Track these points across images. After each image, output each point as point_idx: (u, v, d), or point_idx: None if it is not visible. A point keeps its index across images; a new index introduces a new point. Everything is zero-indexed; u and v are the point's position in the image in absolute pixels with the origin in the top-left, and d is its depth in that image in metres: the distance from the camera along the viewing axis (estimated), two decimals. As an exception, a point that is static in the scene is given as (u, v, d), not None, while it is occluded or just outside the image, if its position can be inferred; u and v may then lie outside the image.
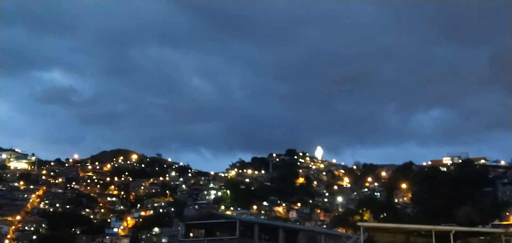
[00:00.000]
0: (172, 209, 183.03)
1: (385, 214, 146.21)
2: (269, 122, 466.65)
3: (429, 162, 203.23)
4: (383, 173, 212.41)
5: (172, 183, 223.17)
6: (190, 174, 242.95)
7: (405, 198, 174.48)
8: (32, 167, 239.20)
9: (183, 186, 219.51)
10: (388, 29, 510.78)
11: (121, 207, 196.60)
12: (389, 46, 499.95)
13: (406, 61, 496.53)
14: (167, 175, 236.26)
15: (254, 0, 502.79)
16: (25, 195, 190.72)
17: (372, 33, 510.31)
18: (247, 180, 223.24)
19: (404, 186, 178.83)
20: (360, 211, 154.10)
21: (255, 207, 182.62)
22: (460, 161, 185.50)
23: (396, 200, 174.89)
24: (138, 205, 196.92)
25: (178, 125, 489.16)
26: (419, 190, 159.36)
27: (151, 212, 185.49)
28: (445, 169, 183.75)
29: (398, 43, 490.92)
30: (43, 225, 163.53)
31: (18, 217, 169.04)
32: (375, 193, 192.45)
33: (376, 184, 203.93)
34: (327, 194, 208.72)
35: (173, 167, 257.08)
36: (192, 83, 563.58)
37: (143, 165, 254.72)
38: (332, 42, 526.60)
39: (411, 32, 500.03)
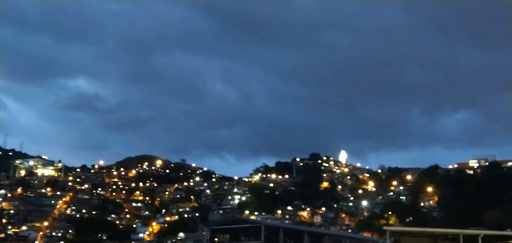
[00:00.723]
0: (197, 214, 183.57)
1: (411, 218, 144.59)
2: (293, 126, 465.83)
3: (455, 165, 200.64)
4: (409, 177, 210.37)
5: (196, 188, 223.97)
6: (214, 179, 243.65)
7: (431, 202, 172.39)
8: (59, 173, 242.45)
9: (208, 191, 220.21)
10: (412, 32, 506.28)
11: (146, 212, 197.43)
12: (413, 48, 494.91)
13: (430, 64, 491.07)
14: (191, 180, 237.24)
15: (277, 5, 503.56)
16: (52, 201, 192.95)
17: (395, 36, 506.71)
18: (271, 184, 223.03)
19: (430, 189, 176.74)
20: (386, 215, 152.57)
21: (279, 211, 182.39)
22: (487, 163, 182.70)
23: (422, 204, 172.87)
24: (163, 210, 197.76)
25: (202, 130, 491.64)
26: (446, 193, 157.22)
27: (176, 217, 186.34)
28: (471, 172, 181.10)
29: (422, 46, 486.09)
30: (70, 231, 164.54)
31: (46, 223, 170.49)
32: (401, 197, 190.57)
33: (401, 187, 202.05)
34: (352, 198, 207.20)
35: (197, 172, 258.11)
36: (215, 88, 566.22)
37: (167, 171, 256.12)
38: (355, 46, 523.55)
39: (436, 34, 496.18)
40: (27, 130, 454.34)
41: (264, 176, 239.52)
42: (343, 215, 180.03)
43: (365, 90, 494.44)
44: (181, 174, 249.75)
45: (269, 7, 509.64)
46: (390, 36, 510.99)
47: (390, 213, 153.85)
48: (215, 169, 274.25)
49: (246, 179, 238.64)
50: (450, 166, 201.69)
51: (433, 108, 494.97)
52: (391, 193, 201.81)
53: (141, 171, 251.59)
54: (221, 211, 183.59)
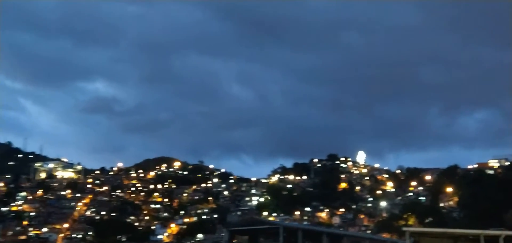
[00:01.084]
0: (215, 216, 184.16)
1: (430, 219, 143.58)
2: (310, 127, 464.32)
3: (475, 165, 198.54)
4: (428, 177, 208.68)
5: (214, 189, 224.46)
6: (232, 181, 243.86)
7: (450, 202, 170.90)
8: (79, 176, 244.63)
9: (226, 192, 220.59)
10: (430, 31, 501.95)
11: (165, 214, 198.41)
12: (431, 47, 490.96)
13: (449, 63, 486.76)
14: (209, 182, 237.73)
15: (293, 5, 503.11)
16: (72, 203, 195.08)
17: (413, 35, 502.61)
18: (289, 186, 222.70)
19: (449, 190, 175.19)
20: (405, 216, 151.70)
21: (297, 213, 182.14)
22: (507, 163, 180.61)
23: (441, 204, 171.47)
24: (182, 212, 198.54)
25: (219, 132, 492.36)
26: (465, 193, 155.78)
27: (195, 218, 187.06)
28: (491, 172, 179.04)
29: (440, 45, 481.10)
30: (90, 233, 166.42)
31: (66, 225, 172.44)
32: (420, 198, 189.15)
33: (420, 188, 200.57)
34: (370, 199, 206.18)
35: (215, 173, 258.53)
36: (232, 90, 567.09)
37: (185, 172, 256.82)
38: (372, 45, 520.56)
39: (454, 32, 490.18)
40: (47, 133, 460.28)
41: (281, 177, 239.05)
42: (362, 216, 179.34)
43: (383, 90, 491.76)
44: (199, 175, 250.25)
45: (286, 8, 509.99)
46: (407, 36, 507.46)
47: (409, 213, 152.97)
48: (233, 171, 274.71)
49: (264, 180, 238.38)
50: (470, 166, 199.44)
51: (452, 108, 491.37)
52: (410, 194, 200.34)
53: (159, 172, 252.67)
54: (239, 213, 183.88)
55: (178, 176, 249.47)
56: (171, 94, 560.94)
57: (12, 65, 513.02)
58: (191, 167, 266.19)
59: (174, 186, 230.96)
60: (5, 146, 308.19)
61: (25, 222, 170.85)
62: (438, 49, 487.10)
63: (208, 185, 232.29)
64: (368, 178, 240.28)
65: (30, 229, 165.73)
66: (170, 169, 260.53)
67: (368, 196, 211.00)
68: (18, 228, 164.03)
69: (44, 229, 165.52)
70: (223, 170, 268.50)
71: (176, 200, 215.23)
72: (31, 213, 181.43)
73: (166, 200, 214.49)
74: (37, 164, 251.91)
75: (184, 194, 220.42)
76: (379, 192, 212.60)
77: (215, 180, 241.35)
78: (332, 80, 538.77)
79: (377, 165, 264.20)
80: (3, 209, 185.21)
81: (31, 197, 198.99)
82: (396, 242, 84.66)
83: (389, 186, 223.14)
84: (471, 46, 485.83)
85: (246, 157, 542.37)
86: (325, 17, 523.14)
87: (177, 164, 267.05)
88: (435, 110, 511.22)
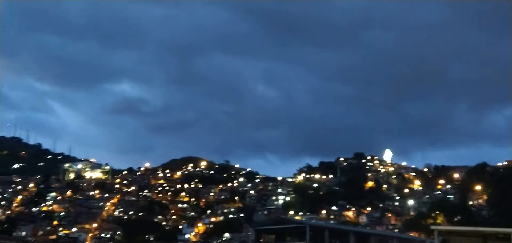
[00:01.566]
0: (242, 215, 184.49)
1: (459, 217, 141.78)
2: (336, 126, 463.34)
3: (505, 163, 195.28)
4: (456, 175, 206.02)
5: (240, 189, 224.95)
6: (258, 180, 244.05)
7: (480, 200, 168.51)
8: (107, 176, 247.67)
9: (252, 191, 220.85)
10: (457, 27, 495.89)
11: (192, 213, 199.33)
12: (458, 44, 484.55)
13: (477, 59, 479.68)
14: (235, 181, 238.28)
15: (318, 4, 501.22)
16: (101, 203, 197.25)
17: (440, 32, 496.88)
18: (315, 185, 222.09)
19: (478, 187, 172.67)
20: (433, 214, 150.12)
21: (324, 212, 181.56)
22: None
23: (470, 203, 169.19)
24: (208, 211, 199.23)
25: (244, 131, 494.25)
26: (495, 191, 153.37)
27: (221, 218, 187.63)
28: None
29: (468, 41, 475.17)
30: (118, 232, 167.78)
31: (95, 225, 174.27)
32: (448, 196, 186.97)
33: (448, 186, 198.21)
34: (397, 197, 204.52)
35: (241, 173, 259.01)
36: (256, 89, 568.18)
37: (212, 172, 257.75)
38: (397, 43, 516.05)
39: (482, 29, 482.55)
40: (75, 134, 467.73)
41: (307, 176, 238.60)
42: (389, 215, 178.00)
43: (410, 87, 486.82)
44: (225, 175, 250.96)
45: (310, 7, 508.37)
46: (434, 33, 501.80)
47: (437, 212, 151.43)
48: (259, 170, 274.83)
49: (290, 180, 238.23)
50: (499, 164, 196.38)
51: (481, 104, 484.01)
52: (438, 192, 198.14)
53: (186, 172, 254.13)
54: (265, 212, 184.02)
55: (204, 175, 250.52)
56: (197, 94, 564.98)
57: (40, 68, 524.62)
58: (217, 166, 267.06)
59: (201, 186, 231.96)
60: (35, 147, 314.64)
61: (55, 222, 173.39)
62: (465, 45, 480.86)
63: (234, 184, 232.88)
64: (395, 176, 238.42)
65: (60, 229, 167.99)
66: (197, 169, 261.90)
67: (395, 194, 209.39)
68: (49, 228, 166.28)
69: (74, 229, 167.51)
70: (249, 170, 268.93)
71: (203, 200, 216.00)
72: (61, 213, 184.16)
73: (192, 199, 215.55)
74: (66, 165, 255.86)
75: (211, 194, 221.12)
76: (406, 190, 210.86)
77: (241, 179, 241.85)
78: (358, 78, 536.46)
79: (404, 163, 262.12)
80: (34, 209, 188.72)
81: (60, 197, 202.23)
82: (424, 241, 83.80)
83: (417, 184, 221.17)
84: (499, 42, 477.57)
85: (272, 156, 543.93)
86: (350, 16, 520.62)
87: (203, 164, 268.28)
88: (463, 107, 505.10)
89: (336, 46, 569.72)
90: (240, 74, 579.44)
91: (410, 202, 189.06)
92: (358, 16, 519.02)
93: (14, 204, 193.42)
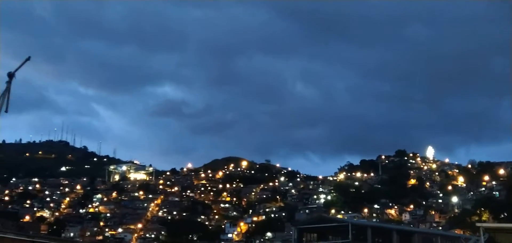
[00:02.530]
0: (283, 214, 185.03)
1: (505, 214, 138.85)
2: (377, 123, 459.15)
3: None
4: (501, 171, 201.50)
5: (282, 188, 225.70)
6: (299, 179, 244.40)
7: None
8: (150, 177, 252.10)
9: (293, 190, 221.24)
10: (499, 20, 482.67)
11: (234, 213, 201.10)
12: (501, 38, 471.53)
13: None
14: (276, 181, 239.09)
15: (356, 1, 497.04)
16: (145, 204, 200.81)
17: (481, 26, 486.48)
18: (357, 183, 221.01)
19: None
20: (478, 212, 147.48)
21: (366, 210, 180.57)
22: None
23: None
24: (250, 210, 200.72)
25: (285, 131, 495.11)
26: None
27: (263, 217, 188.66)
28: None
29: (510, 34, 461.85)
30: (163, 232, 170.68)
31: (140, 225, 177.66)
32: (494, 192, 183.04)
33: (494, 182, 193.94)
34: (441, 194, 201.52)
35: (282, 172, 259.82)
36: (296, 89, 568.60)
37: (253, 172, 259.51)
38: (437, 38, 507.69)
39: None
40: (119, 136, 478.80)
41: (349, 174, 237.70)
42: (433, 212, 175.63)
43: (451, 83, 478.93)
44: (266, 174, 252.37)
45: (349, 5, 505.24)
46: (475, 26, 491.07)
47: (482, 209, 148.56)
48: (300, 169, 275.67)
49: (331, 178, 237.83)
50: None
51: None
52: (483, 189, 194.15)
53: (227, 172, 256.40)
54: (307, 211, 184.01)
55: (245, 175, 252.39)
56: (237, 95, 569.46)
57: (85, 73, 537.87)
58: (258, 166, 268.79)
59: (242, 185, 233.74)
60: (81, 150, 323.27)
61: (101, 223, 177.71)
62: (508, 39, 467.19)
63: (276, 184, 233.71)
64: (438, 173, 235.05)
65: (106, 229, 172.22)
66: (238, 169, 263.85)
67: (438, 192, 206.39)
68: (95, 229, 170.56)
69: (119, 230, 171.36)
70: (289, 169, 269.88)
71: (244, 199, 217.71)
72: (107, 214, 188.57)
73: (234, 199, 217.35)
74: (111, 167, 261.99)
75: (252, 193, 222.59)
76: (450, 187, 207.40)
77: (282, 178, 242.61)
78: (398, 75, 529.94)
79: (447, 160, 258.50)
80: (81, 211, 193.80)
81: (106, 199, 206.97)
82: (469, 239, 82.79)
83: (460, 181, 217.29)
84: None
85: (312, 155, 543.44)
86: (389, 12, 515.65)
87: (244, 164, 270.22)
88: (507, 102, 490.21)
89: (374, 43, 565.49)
90: (279, 74, 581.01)
91: (454, 199, 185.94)
92: (397, 12, 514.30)
93: (62, 206, 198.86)
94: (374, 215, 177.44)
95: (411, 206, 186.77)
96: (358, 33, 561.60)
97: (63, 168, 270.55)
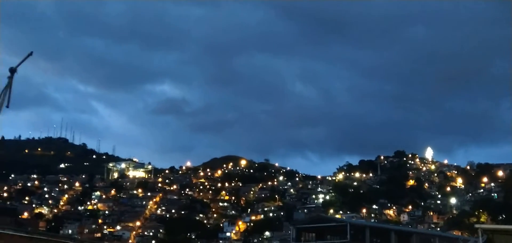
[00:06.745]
0: (282, 213, 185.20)
1: (503, 216, 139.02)
2: (376, 124, 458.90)
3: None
4: (500, 173, 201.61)
5: (280, 187, 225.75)
6: (297, 179, 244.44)
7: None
8: (149, 175, 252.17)
9: (292, 190, 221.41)
10: (500, 22, 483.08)
11: (233, 212, 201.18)
12: (501, 39, 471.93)
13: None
14: (275, 180, 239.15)
15: (356, 1, 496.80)
16: (144, 202, 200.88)
17: (481, 27, 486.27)
18: (355, 183, 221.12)
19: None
20: (476, 213, 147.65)
21: (364, 210, 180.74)
22: None
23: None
24: (249, 209, 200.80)
25: (284, 130, 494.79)
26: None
27: (262, 216, 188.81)
28: None
29: (510, 36, 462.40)
30: (161, 230, 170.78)
31: (138, 223, 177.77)
32: (492, 194, 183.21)
33: (492, 184, 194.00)
34: (439, 196, 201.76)
35: (281, 171, 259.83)
36: (295, 88, 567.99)
37: (252, 171, 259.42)
38: (437, 39, 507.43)
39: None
40: (119, 134, 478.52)
41: (347, 174, 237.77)
42: (431, 213, 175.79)
43: (451, 84, 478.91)
44: (265, 173, 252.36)
45: (348, 4, 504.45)
46: (475, 27, 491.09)
47: (481, 210, 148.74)
48: (298, 168, 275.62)
49: (330, 178, 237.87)
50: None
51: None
52: (481, 190, 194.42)
53: (226, 171, 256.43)
54: (305, 210, 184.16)
55: (244, 174, 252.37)
56: (236, 94, 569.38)
57: (84, 70, 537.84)
58: (257, 165, 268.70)
59: (241, 184, 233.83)
60: (80, 147, 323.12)
61: (100, 220, 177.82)
62: (508, 41, 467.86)
63: (274, 183, 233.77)
64: (436, 174, 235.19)
65: (105, 227, 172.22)
66: (237, 168, 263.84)
67: (437, 193, 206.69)
68: (94, 226, 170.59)
69: (118, 227, 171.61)
70: (288, 168, 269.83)
71: (243, 198, 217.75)
72: (105, 212, 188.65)
73: (233, 198, 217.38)
74: (110, 165, 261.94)
75: (251, 192, 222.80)
76: (448, 188, 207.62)
77: (281, 178, 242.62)
78: (398, 75, 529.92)
79: (445, 161, 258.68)
80: (80, 208, 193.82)
81: (105, 196, 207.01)
82: (468, 240, 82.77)
83: (459, 182, 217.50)
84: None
85: (311, 155, 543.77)
86: (390, 12, 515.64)
87: (243, 163, 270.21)
88: (507, 103, 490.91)
89: (375, 43, 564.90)
90: (278, 73, 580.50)
91: (453, 200, 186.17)
92: (397, 12, 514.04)
93: (61, 203, 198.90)
94: (372, 215, 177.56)
95: (410, 207, 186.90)
96: (358, 33, 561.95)
97: (62, 165, 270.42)
